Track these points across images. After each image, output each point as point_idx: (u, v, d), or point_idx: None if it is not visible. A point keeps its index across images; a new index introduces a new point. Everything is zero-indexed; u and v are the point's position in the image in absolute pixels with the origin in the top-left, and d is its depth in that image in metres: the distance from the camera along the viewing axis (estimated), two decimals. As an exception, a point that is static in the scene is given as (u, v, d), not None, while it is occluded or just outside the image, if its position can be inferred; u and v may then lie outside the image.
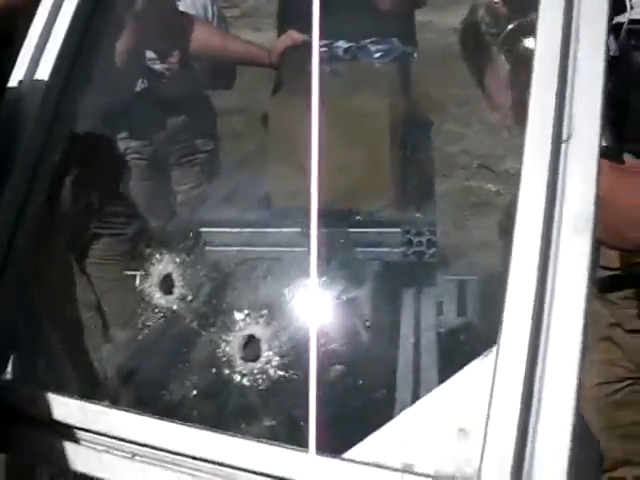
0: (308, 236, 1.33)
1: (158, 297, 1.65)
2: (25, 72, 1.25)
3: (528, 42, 2.48)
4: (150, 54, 2.57)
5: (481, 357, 0.92)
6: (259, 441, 0.89)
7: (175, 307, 1.61)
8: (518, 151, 0.84)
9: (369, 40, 2.29)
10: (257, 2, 4.24)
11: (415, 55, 2.23)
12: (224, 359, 1.29)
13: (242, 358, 1.28)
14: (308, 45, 2.29)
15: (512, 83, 2.60)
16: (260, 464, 0.88)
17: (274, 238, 1.62)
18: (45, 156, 1.29)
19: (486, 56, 2.65)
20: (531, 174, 0.90)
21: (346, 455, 0.87)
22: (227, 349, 1.28)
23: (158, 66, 2.60)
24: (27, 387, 1.04)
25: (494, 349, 0.89)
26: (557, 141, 0.90)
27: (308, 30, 2.29)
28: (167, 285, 1.66)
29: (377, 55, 2.25)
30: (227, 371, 1.28)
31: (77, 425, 0.99)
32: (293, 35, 2.33)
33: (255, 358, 1.28)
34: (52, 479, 1.14)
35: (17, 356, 1.09)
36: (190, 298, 1.60)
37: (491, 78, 2.66)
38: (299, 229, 1.59)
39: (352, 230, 1.57)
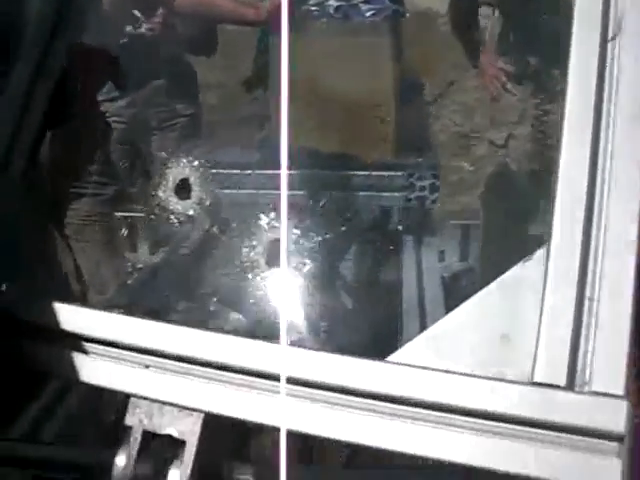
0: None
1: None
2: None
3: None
4: (132, 13, 2.50)
5: (522, 262, 0.89)
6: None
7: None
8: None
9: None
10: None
11: (407, 15, 2.21)
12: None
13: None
14: (298, 4, 2.26)
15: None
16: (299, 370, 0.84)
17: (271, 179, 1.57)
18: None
19: (475, 25, 2.66)
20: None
21: (390, 358, 0.84)
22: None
23: (140, 28, 2.53)
24: (35, 298, 0.97)
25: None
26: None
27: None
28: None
29: (369, 14, 2.23)
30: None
31: (88, 334, 0.93)
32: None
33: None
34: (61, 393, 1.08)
35: (22, 269, 1.03)
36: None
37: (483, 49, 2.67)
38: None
39: (353, 173, 1.53)
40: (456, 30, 2.64)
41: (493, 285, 0.88)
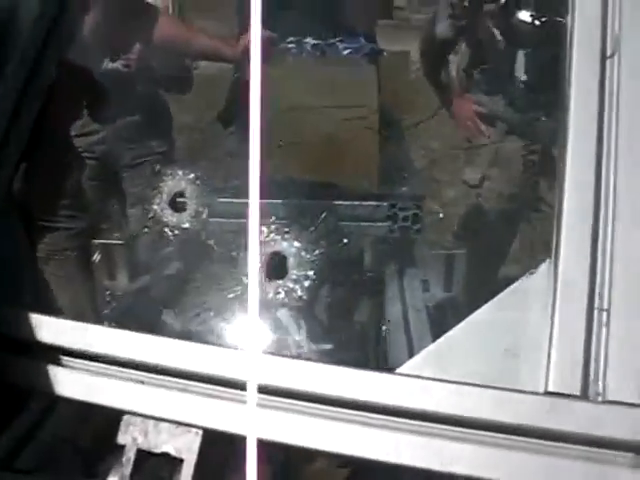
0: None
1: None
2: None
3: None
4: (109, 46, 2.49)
5: (526, 275, 0.88)
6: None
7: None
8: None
9: (337, 38, 2.29)
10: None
11: (384, 53, 2.24)
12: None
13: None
14: (274, 40, 2.28)
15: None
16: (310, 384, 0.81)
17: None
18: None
19: (445, 71, 2.71)
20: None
21: (400, 370, 0.82)
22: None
23: (116, 63, 2.52)
24: (14, 310, 0.93)
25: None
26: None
27: (272, 26, 2.29)
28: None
29: (346, 52, 2.25)
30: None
31: (71, 347, 0.89)
32: (259, 31, 2.29)
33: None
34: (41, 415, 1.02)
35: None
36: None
37: (452, 92, 2.71)
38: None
39: (338, 203, 1.52)
40: (428, 76, 2.68)
41: (497, 299, 0.87)
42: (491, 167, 2.56)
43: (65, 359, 0.89)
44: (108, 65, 2.49)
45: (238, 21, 2.44)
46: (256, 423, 0.75)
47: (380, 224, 1.56)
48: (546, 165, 2.32)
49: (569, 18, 0.95)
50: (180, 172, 1.37)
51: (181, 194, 1.40)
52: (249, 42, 2.26)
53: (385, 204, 1.55)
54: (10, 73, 1.13)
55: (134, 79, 2.53)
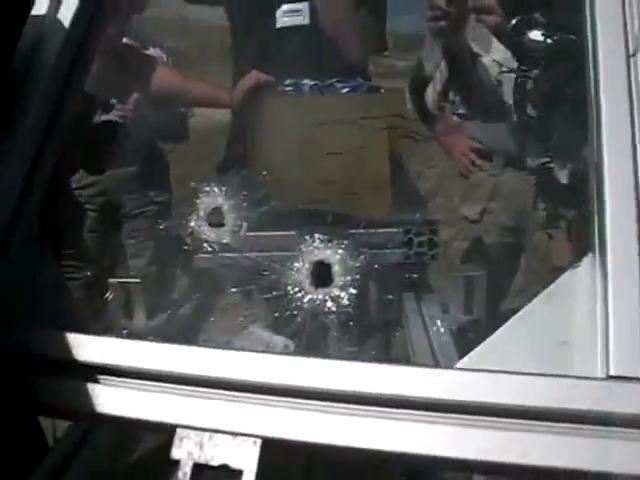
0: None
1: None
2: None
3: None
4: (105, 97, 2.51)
5: (570, 269, 0.89)
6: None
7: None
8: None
9: (335, 79, 2.33)
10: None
11: (382, 90, 2.27)
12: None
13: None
14: (272, 85, 2.31)
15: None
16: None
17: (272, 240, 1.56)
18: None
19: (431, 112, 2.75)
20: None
21: (459, 364, 0.81)
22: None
23: (111, 115, 2.54)
24: (52, 332, 0.91)
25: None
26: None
27: (269, 70, 2.32)
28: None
29: (344, 91, 2.28)
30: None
31: (116, 366, 0.87)
32: (256, 75, 2.33)
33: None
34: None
35: (36, 299, 0.97)
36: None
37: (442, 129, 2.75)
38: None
39: (355, 231, 1.53)
40: (419, 115, 2.73)
41: (545, 292, 0.87)
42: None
43: (106, 377, 0.88)
44: (103, 116, 2.51)
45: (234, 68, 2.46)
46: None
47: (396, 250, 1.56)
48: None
49: (589, 23, 0.98)
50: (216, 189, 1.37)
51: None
52: (247, 88, 2.28)
53: (400, 230, 1.56)
54: (34, 107, 1.14)
55: (130, 129, 2.56)
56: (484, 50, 2.34)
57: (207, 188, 1.41)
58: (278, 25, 2.36)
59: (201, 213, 1.39)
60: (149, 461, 1.00)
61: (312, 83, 2.30)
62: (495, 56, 2.35)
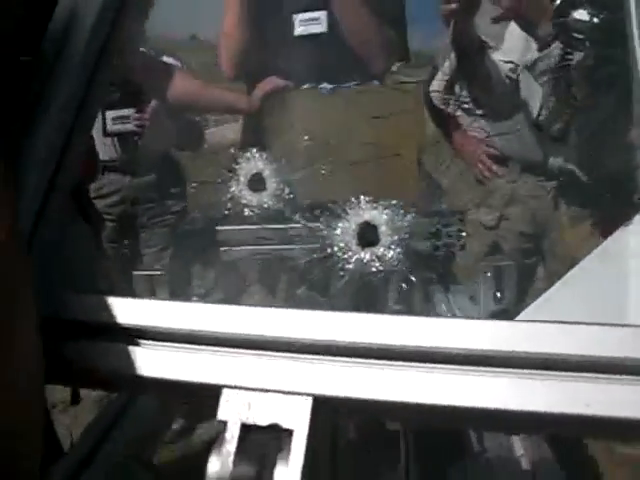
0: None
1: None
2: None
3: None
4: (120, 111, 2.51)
5: (622, 226, 0.87)
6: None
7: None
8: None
9: (353, 82, 2.32)
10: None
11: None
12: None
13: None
14: (290, 90, 2.31)
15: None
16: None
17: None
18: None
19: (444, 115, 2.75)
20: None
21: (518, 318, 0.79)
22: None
23: (128, 124, 2.53)
24: (90, 296, 0.88)
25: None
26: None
27: (284, 75, 2.32)
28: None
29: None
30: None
31: (154, 327, 0.84)
32: (274, 80, 2.33)
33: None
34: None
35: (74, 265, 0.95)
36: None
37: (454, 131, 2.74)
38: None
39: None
40: (433, 120, 2.72)
41: (600, 248, 0.85)
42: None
43: (147, 341, 0.85)
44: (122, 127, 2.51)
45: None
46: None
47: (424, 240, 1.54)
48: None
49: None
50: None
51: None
52: (264, 93, 2.28)
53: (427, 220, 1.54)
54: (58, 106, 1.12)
55: (147, 138, 2.55)
56: (495, 44, 2.34)
57: (247, 154, 1.38)
58: (296, 33, 2.36)
59: (241, 179, 1.37)
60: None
61: (330, 86, 2.30)
62: (505, 53, 2.35)
